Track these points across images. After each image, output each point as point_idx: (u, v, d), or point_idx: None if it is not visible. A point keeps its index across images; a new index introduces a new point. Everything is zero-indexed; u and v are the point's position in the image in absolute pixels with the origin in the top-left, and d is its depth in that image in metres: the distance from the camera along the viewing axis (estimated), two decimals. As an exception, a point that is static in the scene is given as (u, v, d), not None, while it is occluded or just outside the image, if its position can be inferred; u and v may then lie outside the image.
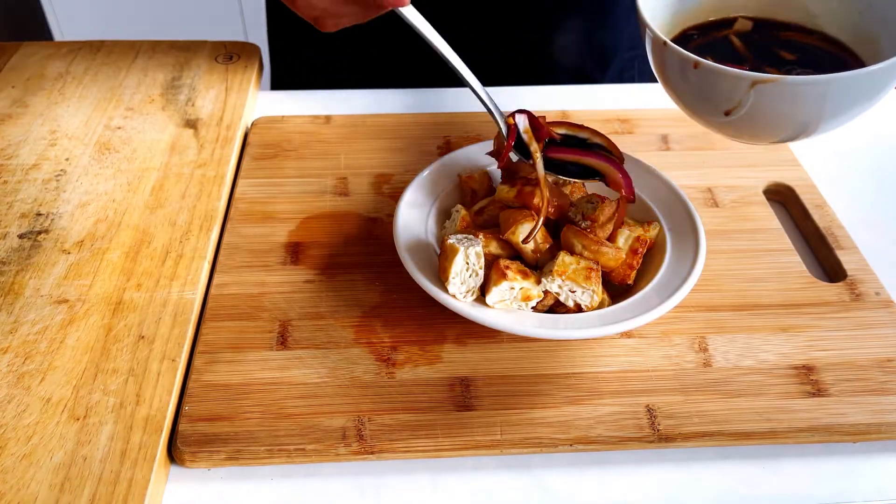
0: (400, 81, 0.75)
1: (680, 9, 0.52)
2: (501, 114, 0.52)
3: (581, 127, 0.52)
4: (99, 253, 0.52)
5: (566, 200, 0.49)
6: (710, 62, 0.43)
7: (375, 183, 0.60)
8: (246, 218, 0.56)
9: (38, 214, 0.55)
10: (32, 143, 0.62)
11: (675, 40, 0.50)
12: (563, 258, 0.46)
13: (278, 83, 0.84)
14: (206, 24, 1.74)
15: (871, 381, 0.46)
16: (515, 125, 0.51)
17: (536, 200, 0.48)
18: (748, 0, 0.53)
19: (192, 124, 0.64)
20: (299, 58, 0.81)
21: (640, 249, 0.49)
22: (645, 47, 0.48)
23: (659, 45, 0.46)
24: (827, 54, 0.50)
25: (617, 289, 0.49)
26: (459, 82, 0.74)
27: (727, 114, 0.46)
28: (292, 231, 0.55)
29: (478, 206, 0.52)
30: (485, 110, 0.52)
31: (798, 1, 0.52)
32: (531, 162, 0.50)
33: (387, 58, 0.78)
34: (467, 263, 0.45)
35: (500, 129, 0.51)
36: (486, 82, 0.74)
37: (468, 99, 0.72)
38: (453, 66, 0.51)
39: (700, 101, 0.47)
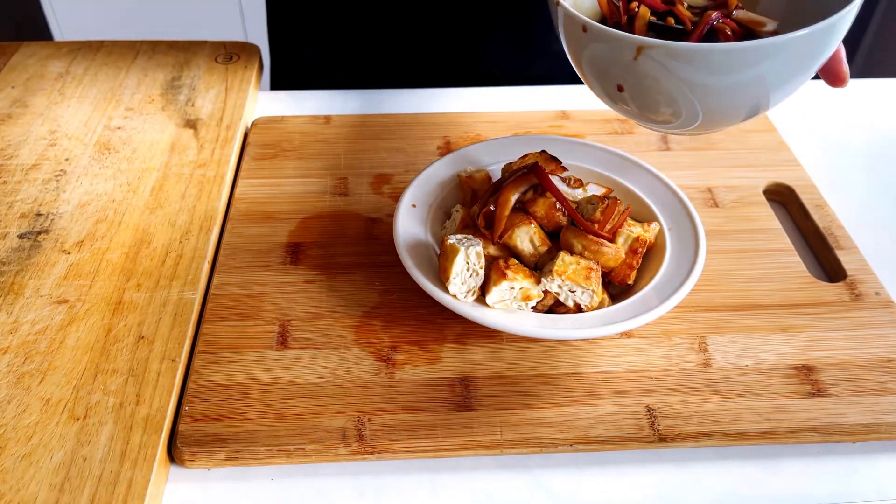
0: (400, 81, 0.75)
1: None
2: None
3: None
4: (99, 253, 0.52)
5: (561, 219, 0.49)
6: (597, 24, 0.39)
7: (375, 183, 0.60)
8: (246, 218, 0.56)
9: (38, 214, 0.55)
10: (32, 143, 0.62)
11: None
12: (563, 258, 0.46)
13: (278, 83, 0.84)
14: (206, 24, 1.74)
15: (871, 381, 0.46)
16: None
17: (532, 209, 0.48)
18: None
19: (191, 124, 0.64)
20: (299, 58, 0.81)
21: (640, 249, 0.49)
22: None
23: (556, 6, 0.41)
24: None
25: (617, 289, 0.49)
26: (459, 82, 0.74)
27: (620, 89, 0.41)
28: (292, 231, 0.55)
29: (474, 209, 0.52)
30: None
31: None
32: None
33: (387, 58, 0.78)
34: (468, 263, 0.45)
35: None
36: (486, 82, 0.74)
37: (468, 99, 0.72)
38: None
39: (593, 74, 0.42)
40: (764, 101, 0.42)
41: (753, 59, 0.38)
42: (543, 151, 0.53)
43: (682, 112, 0.42)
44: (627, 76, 0.40)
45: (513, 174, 0.50)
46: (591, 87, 0.45)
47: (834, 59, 0.43)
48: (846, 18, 0.39)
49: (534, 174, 0.49)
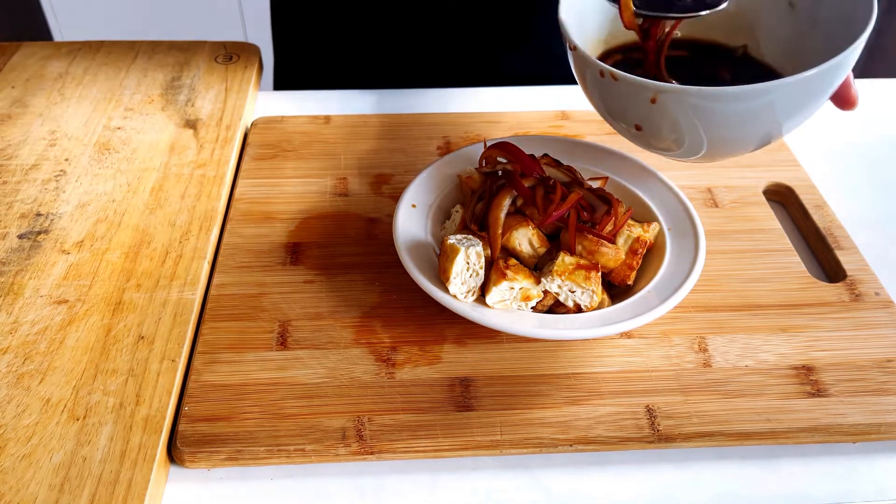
0: (400, 81, 0.75)
1: (611, 28, 0.52)
2: None
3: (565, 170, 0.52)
4: (99, 253, 0.52)
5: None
6: (617, 70, 0.42)
7: (375, 183, 0.60)
8: (246, 218, 0.56)
9: (38, 215, 0.55)
10: (32, 144, 0.62)
11: (614, 55, 0.50)
12: (563, 258, 0.46)
13: (282, 82, 0.84)
14: (206, 24, 1.74)
15: (871, 381, 0.46)
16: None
17: (530, 212, 0.48)
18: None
19: (191, 124, 0.64)
20: (303, 57, 0.81)
21: (640, 250, 0.49)
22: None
23: (572, 50, 0.45)
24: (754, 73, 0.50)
25: (617, 289, 0.49)
26: (459, 82, 0.74)
27: (638, 129, 0.45)
28: (292, 231, 0.55)
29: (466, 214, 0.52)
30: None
31: (735, 23, 0.52)
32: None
33: (387, 58, 0.78)
34: (468, 263, 0.45)
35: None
36: (487, 82, 0.74)
37: (468, 99, 0.72)
38: None
39: (612, 113, 0.46)
40: (775, 132, 0.45)
41: (760, 98, 0.41)
42: (545, 155, 0.53)
43: (688, 144, 0.45)
44: (644, 118, 0.43)
45: (493, 188, 0.50)
46: (608, 121, 0.48)
47: (843, 84, 0.44)
48: (850, 58, 0.41)
49: (511, 185, 0.49)
